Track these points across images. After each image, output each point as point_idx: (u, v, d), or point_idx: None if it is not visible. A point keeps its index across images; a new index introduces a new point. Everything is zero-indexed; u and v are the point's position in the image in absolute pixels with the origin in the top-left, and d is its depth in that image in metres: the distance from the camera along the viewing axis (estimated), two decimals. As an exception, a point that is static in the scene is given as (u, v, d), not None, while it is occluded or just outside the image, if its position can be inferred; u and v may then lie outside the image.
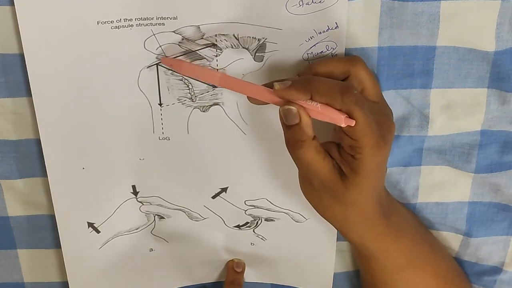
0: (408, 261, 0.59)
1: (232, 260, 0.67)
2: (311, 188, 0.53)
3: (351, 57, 0.54)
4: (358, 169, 0.50)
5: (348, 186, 0.51)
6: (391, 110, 0.55)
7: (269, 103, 0.51)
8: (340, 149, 0.51)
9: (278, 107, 0.50)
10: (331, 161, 0.51)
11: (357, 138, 0.48)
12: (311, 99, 0.48)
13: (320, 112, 0.48)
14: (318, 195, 0.53)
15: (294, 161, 0.51)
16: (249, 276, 0.68)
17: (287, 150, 0.51)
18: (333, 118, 0.48)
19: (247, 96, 0.52)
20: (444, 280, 0.62)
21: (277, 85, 0.49)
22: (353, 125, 0.47)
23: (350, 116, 0.48)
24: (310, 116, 0.49)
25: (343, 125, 0.47)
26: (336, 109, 0.48)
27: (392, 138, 0.52)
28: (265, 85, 0.51)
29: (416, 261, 0.60)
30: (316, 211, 0.55)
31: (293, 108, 0.48)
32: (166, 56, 0.55)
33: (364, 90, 0.53)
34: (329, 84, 0.48)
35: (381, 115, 0.52)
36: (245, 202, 0.63)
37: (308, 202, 0.55)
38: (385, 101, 0.55)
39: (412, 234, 0.60)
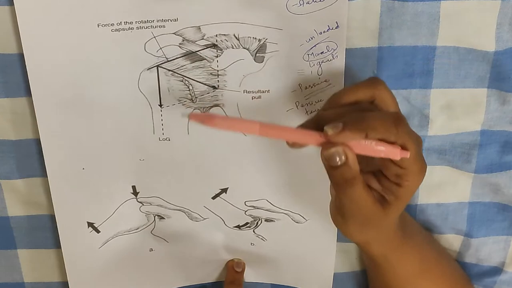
0: (421, 266, 0.59)
1: (232, 260, 0.67)
2: (350, 222, 0.51)
3: (372, 80, 0.51)
4: (403, 196, 0.49)
5: (389, 212, 0.50)
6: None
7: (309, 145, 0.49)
8: (380, 178, 0.50)
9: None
10: (372, 193, 0.50)
11: (407, 167, 0.47)
12: (365, 137, 0.46)
13: (374, 150, 0.47)
14: (357, 226, 0.52)
15: (343, 200, 0.49)
16: (249, 276, 0.68)
17: (335, 190, 0.49)
18: (388, 153, 0.47)
19: (287, 143, 0.49)
20: (450, 282, 0.63)
21: (330, 130, 0.46)
22: (408, 157, 0.46)
23: (403, 147, 0.46)
24: (355, 152, 0.47)
25: (398, 159, 0.47)
26: (390, 142, 0.46)
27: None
28: (302, 126, 0.49)
29: (427, 266, 0.60)
30: (348, 237, 0.54)
31: (339, 148, 0.46)
32: (193, 113, 0.53)
33: (387, 110, 0.51)
34: (382, 118, 0.46)
35: (419, 139, 0.51)
36: (245, 202, 0.63)
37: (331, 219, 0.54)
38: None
39: (422, 241, 0.61)
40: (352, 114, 0.47)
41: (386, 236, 0.54)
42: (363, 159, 0.48)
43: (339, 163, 0.47)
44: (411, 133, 0.47)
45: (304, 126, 0.49)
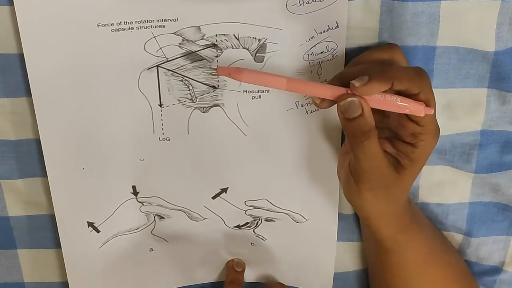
0: (428, 253, 0.59)
1: (232, 259, 0.67)
2: (364, 186, 0.52)
3: (388, 45, 0.54)
4: (417, 158, 0.50)
5: (403, 177, 0.51)
6: None
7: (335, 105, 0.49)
8: (394, 141, 0.51)
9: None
10: (387, 155, 0.50)
11: (425, 124, 0.48)
12: (391, 88, 0.47)
13: (399, 105, 0.47)
14: (371, 191, 0.52)
15: (358, 156, 0.50)
16: (249, 276, 0.68)
17: (350, 145, 0.49)
18: (413, 109, 0.47)
19: (314, 101, 0.50)
20: (455, 271, 0.63)
21: (356, 83, 0.47)
22: (432, 113, 0.47)
23: (426, 101, 0.47)
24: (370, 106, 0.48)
25: (422, 115, 0.47)
26: (414, 94, 0.47)
27: None
28: (328, 82, 0.50)
29: (434, 253, 0.60)
30: (359, 208, 0.54)
31: (355, 99, 0.47)
32: (220, 66, 0.54)
33: None
34: (406, 70, 0.48)
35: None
36: (245, 202, 0.63)
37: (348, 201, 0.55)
38: None
39: (428, 227, 0.61)
40: (377, 67, 0.49)
41: (396, 213, 0.54)
42: (376, 122, 0.49)
43: (355, 114, 0.48)
44: (432, 90, 0.48)
45: (330, 82, 0.50)
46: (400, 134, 0.50)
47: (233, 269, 0.66)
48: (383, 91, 0.48)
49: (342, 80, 0.49)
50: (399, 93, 0.48)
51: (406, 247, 0.57)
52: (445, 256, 0.62)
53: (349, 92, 0.48)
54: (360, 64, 0.52)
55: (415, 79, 0.47)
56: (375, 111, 0.49)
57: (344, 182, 0.54)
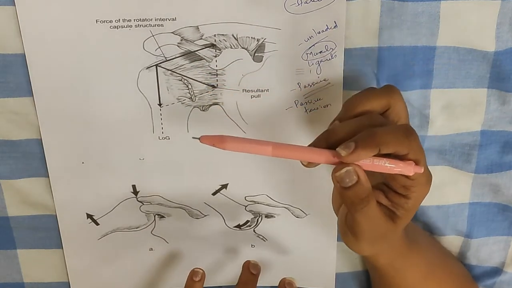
0: (427, 269, 0.59)
1: (249, 261, 0.64)
2: (363, 239, 0.51)
3: (387, 88, 0.51)
4: (411, 207, 0.49)
5: (399, 225, 0.50)
6: None
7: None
8: (387, 193, 0.50)
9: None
10: (382, 209, 0.50)
11: (416, 177, 0.47)
12: (379, 152, 0.46)
13: (387, 168, 0.46)
14: (370, 243, 0.51)
15: (358, 219, 0.49)
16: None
17: (350, 211, 0.48)
18: (401, 170, 0.46)
19: (301, 162, 0.49)
20: (456, 283, 0.62)
21: (342, 151, 0.45)
22: (421, 172, 0.46)
23: (415, 160, 0.46)
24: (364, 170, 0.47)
25: (411, 174, 0.46)
26: (403, 155, 0.46)
27: None
28: (314, 144, 0.48)
29: (434, 268, 0.60)
30: (356, 252, 0.54)
31: (350, 168, 0.46)
32: (204, 135, 0.51)
33: (399, 120, 0.51)
34: (394, 132, 0.46)
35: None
36: (245, 198, 0.63)
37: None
38: None
39: (425, 243, 0.61)
40: (363, 131, 0.46)
41: (393, 247, 0.54)
42: (368, 174, 0.48)
43: (352, 183, 0.46)
44: (421, 146, 0.47)
45: (316, 143, 0.48)
46: (393, 186, 0.49)
47: (249, 270, 0.65)
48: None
49: (329, 140, 0.47)
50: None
51: (404, 270, 0.57)
52: (445, 269, 0.62)
53: (334, 156, 0.47)
54: (353, 112, 0.49)
55: (403, 141, 0.46)
56: None
57: (342, 232, 0.53)
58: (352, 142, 0.45)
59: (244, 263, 0.64)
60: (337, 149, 0.46)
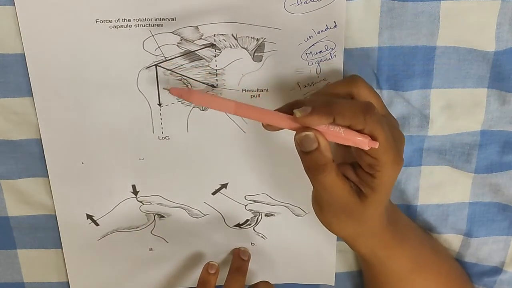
0: (414, 264, 0.59)
1: (238, 248, 0.66)
2: (327, 211, 0.53)
3: (349, 78, 0.53)
4: (378, 187, 0.49)
5: (366, 204, 0.50)
6: (396, 121, 0.55)
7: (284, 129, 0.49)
8: (356, 169, 0.50)
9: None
10: (348, 183, 0.50)
11: (377, 156, 0.48)
12: (333, 122, 0.47)
13: (343, 137, 0.47)
14: (335, 217, 0.53)
15: (315, 186, 0.50)
16: (250, 277, 0.68)
17: (309, 177, 0.49)
18: (356, 142, 0.47)
19: (262, 124, 0.50)
20: (447, 280, 0.62)
21: (298, 113, 0.47)
22: (376, 147, 0.47)
23: (372, 136, 0.47)
24: (327, 139, 0.48)
25: (366, 148, 0.47)
26: (358, 130, 0.47)
27: (403, 150, 0.52)
28: (279, 109, 0.50)
29: (421, 263, 0.60)
30: (330, 230, 0.55)
31: (310, 133, 0.47)
32: (173, 87, 0.54)
33: None
34: (351, 105, 0.47)
35: (393, 128, 0.52)
36: (245, 197, 0.63)
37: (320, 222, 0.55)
38: (390, 113, 0.55)
39: (414, 238, 0.60)
40: (324, 99, 0.49)
41: (371, 231, 0.54)
42: (341, 150, 0.50)
43: (311, 148, 0.47)
44: (382, 123, 0.47)
45: (281, 110, 0.49)
46: (360, 164, 0.50)
47: (239, 256, 0.65)
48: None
49: (293, 108, 0.48)
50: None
51: (388, 261, 0.58)
52: (435, 265, 0.62)
53: (293, 121, 0.48)
54: (321, 94, 0.52)
55: (358, 116, 0.46)
56: None
57: (313, 207, 0.55)
58: (309, 106, 0.47)
59: (234, 250, 0.65)
60: (294, 110, 0.47)
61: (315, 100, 0.50)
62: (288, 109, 0.49)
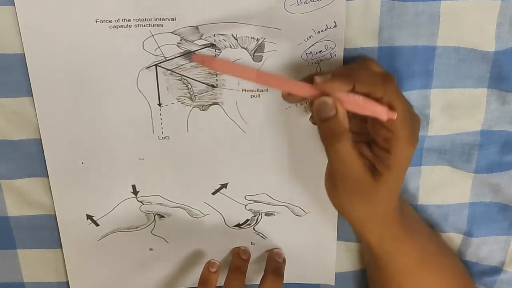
0: (421, 258, 0.59)
1: (238, 247, 0.66)
2: (340, 189, 0.52)
3: (363, 59, 0.54)
4: (393, 164, 0.49)
5: (380, 183, 0.50)
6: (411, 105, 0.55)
7: (305, 100, 0.50)
8: (371, 146, 0.51)
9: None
10: (363, 159, 0.50)
11: (394, 129, 0.48)
12: (352, 90, 0.47)
13: (361, 105, 0.47)
14: (347, 196, 0.52)
15: (330, 158, 0.50)
16: (250, 277, 0.68)
17: (323, 146, 0.50)
18: (375, 111, 0.47)
19: (282, 94, 0.51)
20: (451, 277, 0.62)
21: (318, 78, 0.48)
22: (394, 118, 0.47)
23: (390, 107, 0.47)
24: (345, 108, 0.48)
25: (384, 118, 0.47)
26: (377, 99, 0.47)
27: (419, 131, 0.52)
28: (302, 79, 0.51)
29: (428, 258, 0.60)
30: (340, 211, 0.55)
31: (329, 99, 0.48)
32: (196, 54, 0.54)
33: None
34: (371, 73, 0.48)
35: (410, 107, 0.52)
36: (245, 197, 0.63)
37: (332, 204, 0.55)
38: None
39: (421, 232, 0.61)
40: (345, 67, 0.50)
41: (380, 218, 0.54)
42: (356, 126, 0.50)
43: (328, 114, 0.48)
44: (399, 95, 0.48)
45: (304, 79, 0.51)
46: (375, 139, 0.50)
47: (239, 256, 0.65)
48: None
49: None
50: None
51: (395, 254, 0.57)
52: (440, 260, 0.62)
53: (313, 88, 0.48)
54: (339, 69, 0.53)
55: (377, 84, 0.47)
56: (354, 116, 0.49)
57: (325, 186, 0.54)
58: (329, 73, 0.48)
59: (234, 249, 0.65)
60: (314, 76, 0.48)
61: (335, 70, 0.51)
62: (308, 81, 0.50)
